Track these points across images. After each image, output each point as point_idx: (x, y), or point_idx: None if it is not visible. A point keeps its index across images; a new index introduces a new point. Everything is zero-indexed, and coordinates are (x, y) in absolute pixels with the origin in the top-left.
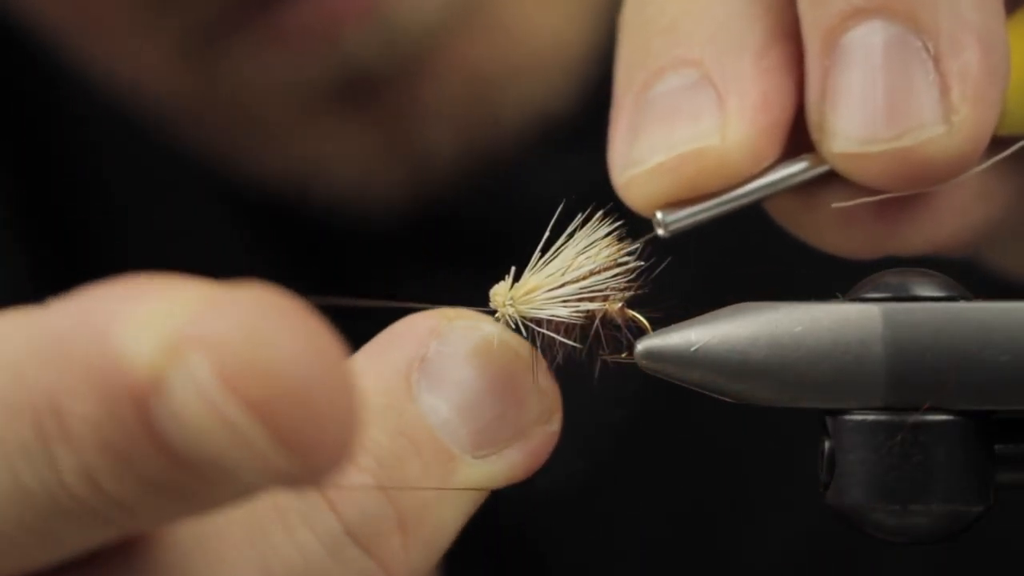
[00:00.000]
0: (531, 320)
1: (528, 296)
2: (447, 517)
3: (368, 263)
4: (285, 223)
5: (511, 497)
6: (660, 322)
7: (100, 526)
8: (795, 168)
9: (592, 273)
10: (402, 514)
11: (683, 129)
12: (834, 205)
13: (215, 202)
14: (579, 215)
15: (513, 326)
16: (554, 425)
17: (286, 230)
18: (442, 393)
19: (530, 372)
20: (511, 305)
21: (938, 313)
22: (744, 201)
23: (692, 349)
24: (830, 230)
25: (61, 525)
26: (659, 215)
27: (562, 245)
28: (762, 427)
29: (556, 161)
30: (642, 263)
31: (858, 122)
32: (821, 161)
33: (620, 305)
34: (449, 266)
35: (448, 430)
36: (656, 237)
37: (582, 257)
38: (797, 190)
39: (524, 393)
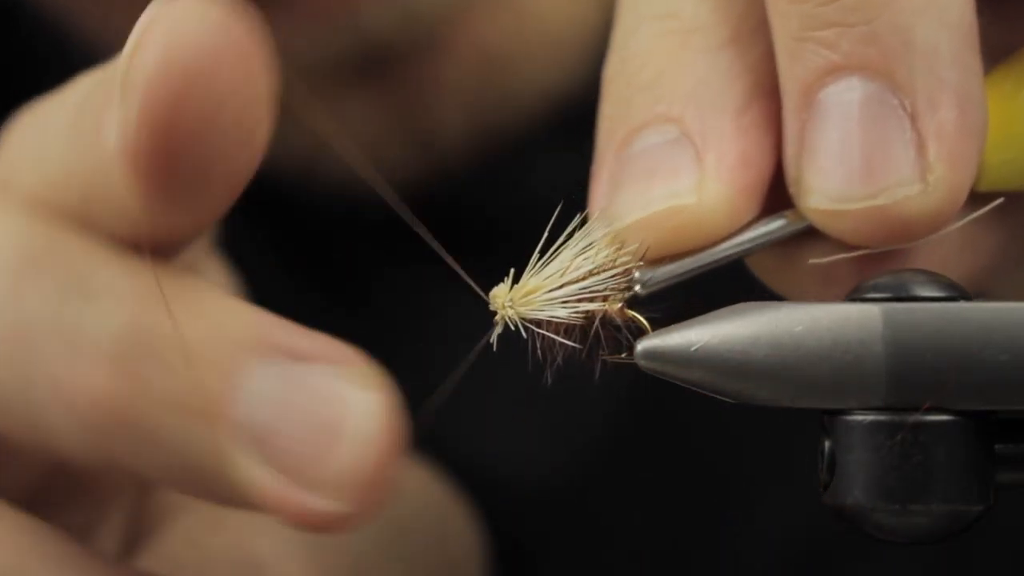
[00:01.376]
0: (531, 321)
1: (528, 297)
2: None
3: (367, 247)
4: (282, 205)
5: (501, 497)
6: (660, 322)
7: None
8: (774, 225)
9: (591, 273)
10: None
11: (661, 187)
12: (811, 261)
13: None
14: (578, 215)
15: (513, 327)
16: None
17: (282, 212)
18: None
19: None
20: (511, 307)
21: (938, 313)
22: (723, 258)
23: (692, 349)
24: (810, 286)
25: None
26: (636, 273)
27: (561, 245)
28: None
29: (566, 146)
30: (640, 263)
31: (834, 179)
32: (800, 217)
33: (620, 305)
34: (452, 252)
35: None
36: (635, 295)
37: (581, 258)
38: (776, 246)
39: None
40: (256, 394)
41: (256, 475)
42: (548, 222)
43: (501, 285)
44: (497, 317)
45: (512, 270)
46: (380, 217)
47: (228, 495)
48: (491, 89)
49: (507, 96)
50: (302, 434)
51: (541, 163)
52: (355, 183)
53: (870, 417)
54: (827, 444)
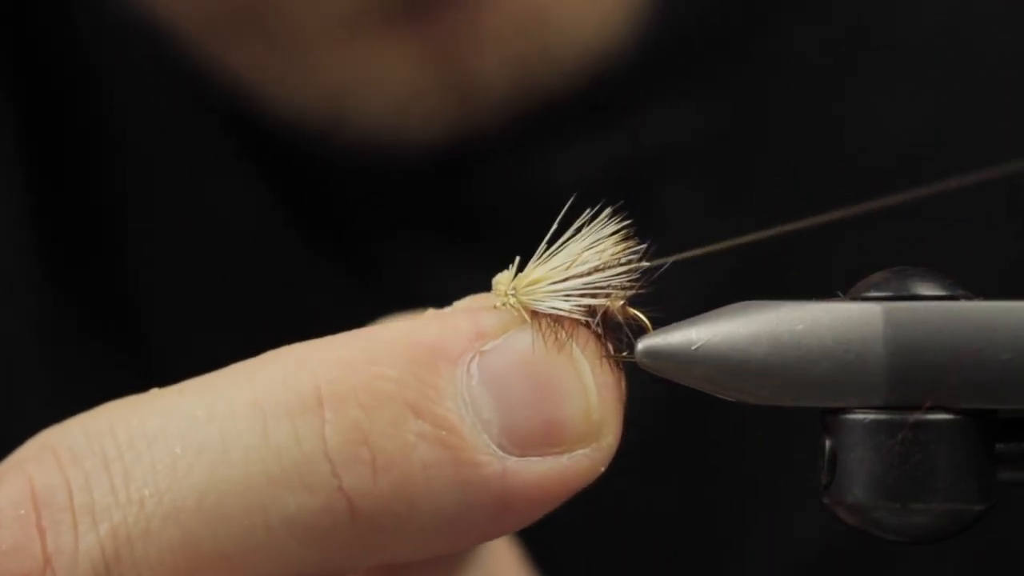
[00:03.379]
0: (531, 311)
1: (531, 287)
2: (444, 499)
3: (393, 206)
4: (306, 157)
5: None
6: (661, 321)
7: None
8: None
9: (597, 269)
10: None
11: None
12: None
13: (230, 132)
14: (588, 210)
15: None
16: (603, 444)
17: (306, 165)
18: (491, 389)
19: (582, 384)
20: (513, 294)
21: (939, 312)
22: None
23: (693, 348)
24: None
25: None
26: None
27: (569, 238)
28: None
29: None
30: (647, 263)
31: None
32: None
33: (622, 303)
34: (470, 222)
35: (485, 426)
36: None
37: (588, 252)
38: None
39: (571, 406)
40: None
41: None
42: (568, 206)
43: (505, 272)
44: (498, 304)
45: (518, 258)
46: (403, 177)
47: (498, 518)
48: (531, 44)
49: (546, 52)
50: (533, 411)
51: (575, 141)
52: (379, 138)
53: (871, 416)
54: (828, 443)
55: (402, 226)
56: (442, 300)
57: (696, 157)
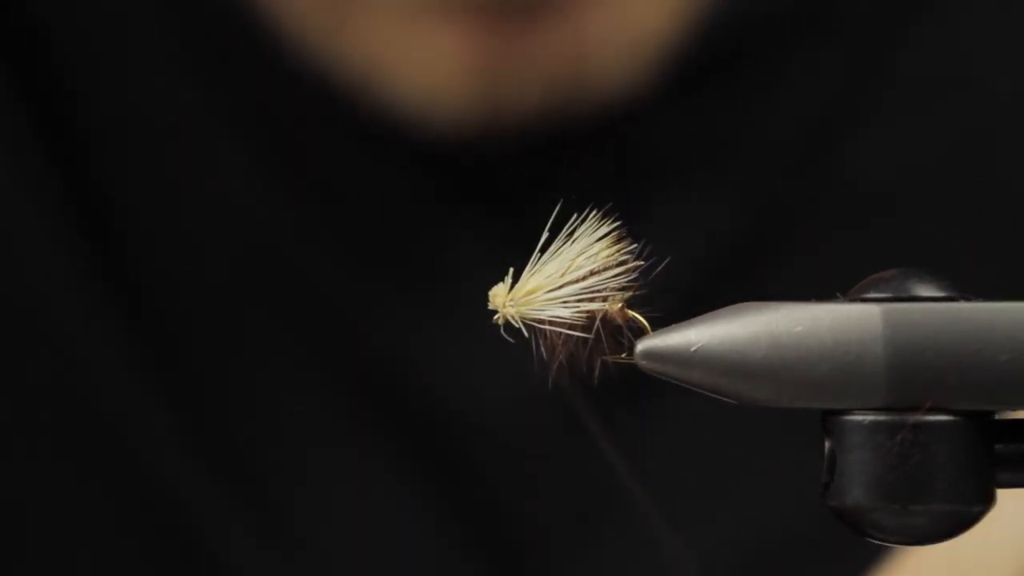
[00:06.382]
0: (531, 321)
1: (528, 297)
2: None
3: (409, 175)
4: (329, 119)
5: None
6: (660, 322)
7: None
8: None
9: (592, 273)
10: None
11: None
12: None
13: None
14: (575, 215)
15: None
16: None
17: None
18: None
19: None
20: (511, 306)
21: (938, 313)
22: None
23: (692, 349)
24: None
25: None
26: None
27: (561, 245)
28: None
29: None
30: (642, 263)
31: None
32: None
33: (620, 305)
34: (496, 197)
35: None
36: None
37: (582, 257)
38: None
39: None
40: None
41: None
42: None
43: (500, 284)
44: (497, 316)
45: (511, 269)
46: (424, 150)
47: None
48: (573, 72)
49: (583, 85)
50: None
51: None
52: (403, 113)
53: (870, 417)
54: (827, 444)
55: (419, 198)
56: (459, 273)
57: (697, 164)
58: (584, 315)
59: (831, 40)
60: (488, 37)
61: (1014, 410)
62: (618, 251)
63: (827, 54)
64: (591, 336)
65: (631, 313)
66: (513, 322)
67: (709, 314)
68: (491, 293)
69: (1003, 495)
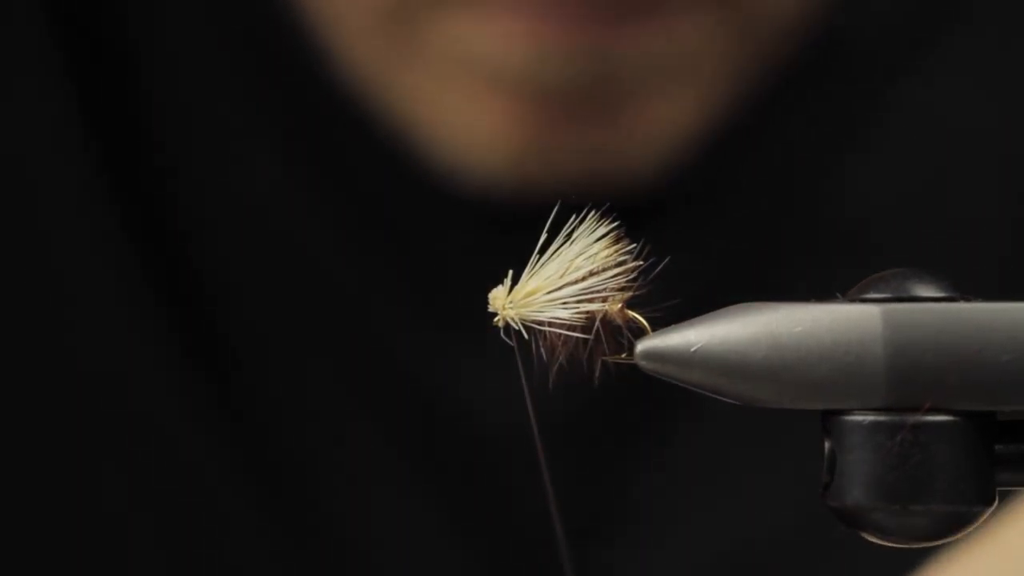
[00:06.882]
0: (532, 322)
1: (528, 299)
2: None
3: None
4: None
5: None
6: (660, 322)
7: None
8: None
9: (591, 274)
10: None
11: None
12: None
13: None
14: (573, 216)
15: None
16: None
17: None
18: None
19: None
20: (511, 308)
21: (938, 313)
22: None
23: (692, 350)
24: None
25: None
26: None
27: (560, 246)
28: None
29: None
30: (641, 263)
31: None
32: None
33: (620, 306)
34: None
35: None
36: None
37: (581, 258)
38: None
39: None
40: None
41: None
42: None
43: (500, 287)
44: (497, 319)
45: (511, 271)
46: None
47: None
48: (608, 165)
49: (604, 179)
50: None
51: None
52: (442, 158)
53: (870, 417)
54: (827, 444)
55: (459, 226)
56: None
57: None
58: (584, 316)
59: (832, 76)
60: (536, 115)
61: (1015, 410)
62: (617, 252)
63: (828, 87)
64: (591, 337)
65: (631, 313)
66: (513, 324)
67: (709, 314)
68: (491, 296)
69: None
